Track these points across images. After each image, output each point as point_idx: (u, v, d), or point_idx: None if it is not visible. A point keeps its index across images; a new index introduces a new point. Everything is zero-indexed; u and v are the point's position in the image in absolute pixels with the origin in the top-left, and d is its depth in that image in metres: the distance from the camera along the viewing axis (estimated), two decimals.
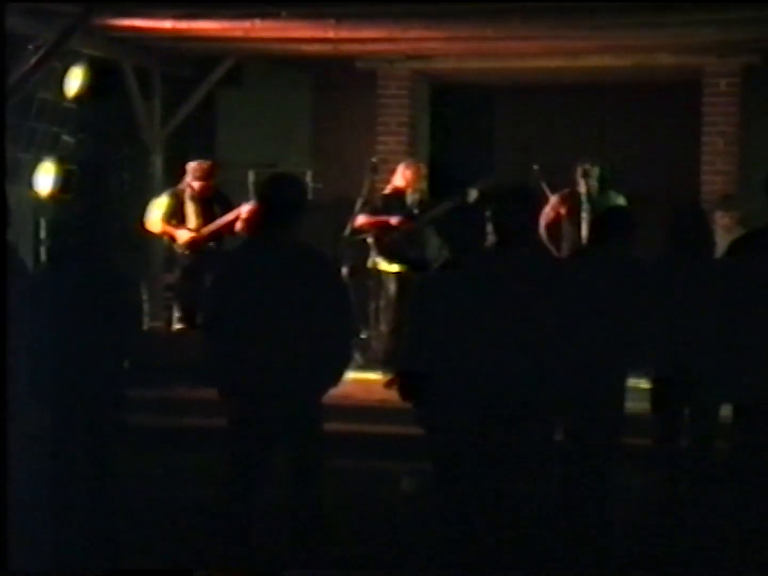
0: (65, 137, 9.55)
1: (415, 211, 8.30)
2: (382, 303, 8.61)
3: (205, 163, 8.74)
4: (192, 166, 8.71)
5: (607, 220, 5.71)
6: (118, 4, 8.27)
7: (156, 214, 8.72)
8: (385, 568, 5.09)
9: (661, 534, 5.36)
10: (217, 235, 8.61)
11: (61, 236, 5.84)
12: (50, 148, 9.30)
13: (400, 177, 8.46)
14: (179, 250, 8.68)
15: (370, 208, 8.42)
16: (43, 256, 8.60)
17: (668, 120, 10.15)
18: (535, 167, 8.65)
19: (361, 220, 8.43)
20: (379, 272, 8.43)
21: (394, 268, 8.31)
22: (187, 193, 8.68)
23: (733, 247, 4.91)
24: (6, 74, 5.70)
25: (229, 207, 8.61)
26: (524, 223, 4.64)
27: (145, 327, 7.34)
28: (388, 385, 7.52)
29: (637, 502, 5.66)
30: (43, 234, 8.86)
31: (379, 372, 8.20)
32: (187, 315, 8.53)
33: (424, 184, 8.54)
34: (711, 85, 9.67)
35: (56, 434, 5.17)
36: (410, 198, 8.39)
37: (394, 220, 8.28)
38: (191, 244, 8.59)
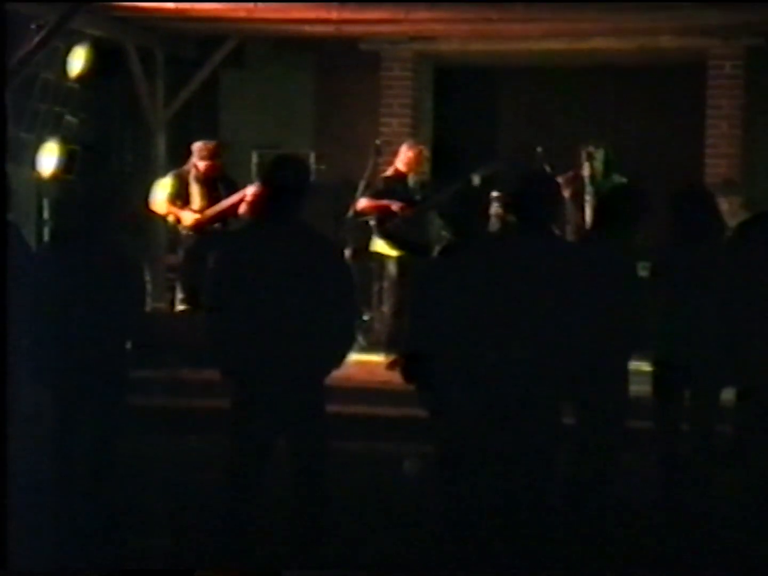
0: (68, 117, 9.54)
1: (417, 196, 8.28)
2: (384, 285, 8.60)
3: (210, 143, 8.72)
4: (197, 146, 8.69)
5: (611, 201, 5.63)
6: None
7: (160, 195, 8.70)
8: (389, 557, 5.08)
9: (662, 517, 5.37)
10: (222, 216, 8.60)
11: (64, 217, 5.84)
12: (53, 128, 9.28)
13: (402, 159, 8.44)
14: (183, 231, 8.67)
15: (372, 192, 8.40)
16: (46, 237, 8.60)
17: (672, 103, 10.12)
18: (539, 150, 8.63)
19: (362, 203, 8.42)
20: (381, 255, 8.42)
21: (395, 252, 8.29)
22: (192, 173, 8.66)
23: (739, 231, 4.89)
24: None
25: (234, 188, 8.60)
26: (539, 210, 4.63)
27: (148, 308, 7.36)
28: (389, 366, 7.53)
29: (639, 486, 5.66)
30: (46, 214, 8.85)
31: (382, 354, 8.21)
32: (191, 296, 8.53)
33: (426, 167, 8.52)
34: (715, 67, 9.64)
35: (59, 417, 5.18)
36: (412, 181, 8.37)
37: (395, 206, 8.26)
38: (196, 225, 8.58)
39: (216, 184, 8.65)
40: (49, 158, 8.80)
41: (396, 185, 8.37)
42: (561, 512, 4.91)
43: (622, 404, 5.23)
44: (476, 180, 7.76)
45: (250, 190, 8.37)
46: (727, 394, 5.30)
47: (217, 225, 8.61)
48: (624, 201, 5.48)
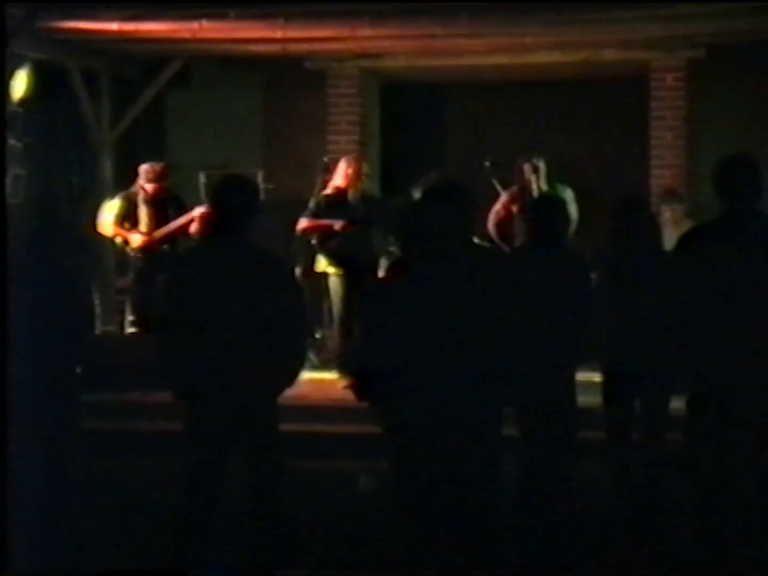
0: (12, 142, 9.45)
1: (358, 211, 8.25)
2: (330, 304, 8.60)
3: (158, 166, 8.70)
4: (144, 168, 8.67)
5: (539, 212, 5.65)
6: (65, 5, 8.22)
7: (108, 217, 8.67)
8: (343, 569, 5.09)
9: (617, 528, 5.40)
10: (171, 237, 8.57)
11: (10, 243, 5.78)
12: None
13: (341, 175, 8.39)
14: (132, 253, 8.63)
15: (312, 211, 8.33)
16: None
17: (617, 114, 10.23)
18: (486, 164, 8.69)
19: (303, 223, 8.34)
20: (326, 274, 8.40)
21: (339, 270, 8.25)
22: (140, 195, 8.64)
23: (681, 242, 4.97)
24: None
25: (183, 209, 8.58)
26: (457, 223, 4.65)
27: (98, 331, 7.31)
28: (349, 387, 7.55)
29: (592, 496, 5.69)
30: None
31: (334, 372, 8.20)
32: (141, 318, 8.48)
33: (366, 182, 8.48)
34: (657, 79, 9.76)
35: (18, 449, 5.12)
36: (352, 197, 8.33)
37: (337, 225, 8.19)
38: (144, 247, 8.55)
39: (164, 206, 8.63)
40: None
41: (337, 201, 8.32)
42: (517, 523, 4.94)
43: (572, 414, 5.27)
44: (417, 193, 7.72)
45: (198, 211, 8.35)
46: (677, 402, 5.36)
47: (166, 246, 8.58)
48: (552, 209, 5.56)
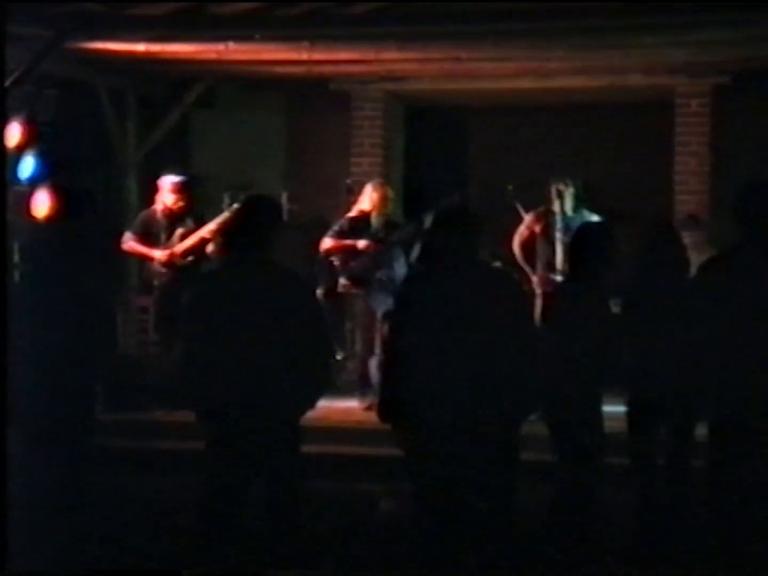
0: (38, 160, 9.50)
1: (381, 234, 8.30)
2: (352, 325, 8.60)
3: (177, 178, 8.71)
4: (164, 181, 8.68)
5: (582, 238, 5.60)
6: (92, 27, 8.28)
7: (130, 235, 8.69)
8: None
9: (640, 551, 5.37)
10: (192, 251, 8.56)
11: (35, 260, 5.82)
12: None
13: (367, 199, 8.45)
14: (155, 270, 8.64)
15: (336, 231, 8.39)
16: (17, 279, 8.54)
17: (641, 140, 10.22)
18: (509, 187, 8.68)
19: (327, 243, 8.39)
20: (347, 294, 8.41)
21: (361, 291, 8.28)
22: (160, 210, 8.65)
23: (701, 270, 4.96)
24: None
25: (202, 223, 8.58)
26: (458, 246, 4.66)
27: (120, 350, 7.32)
28: (368, 408, 7.58)
29: (616, 521, 5.66)
30: (16, 258, 8.80)
31: (356, 394, 8.19)
32: (163, 337, 8.48)
33: (390, 207, 8.52)
34: (682, 105, 9.74)
35: (28, 457, 5.14)
36: (375, 221, 8.38)
37: (360, 244, 8.27)
38: (167, 262, 8.56)
39: (184, 219, 8.63)
40: None
41: (360, 225, 8.38)
42: (540, 546, 4.91)
43: (598, 439, 5.24)
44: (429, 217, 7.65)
45: (215, 223, 8.31)
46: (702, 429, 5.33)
47: (189, 260, 8.56)
48: (595, 240, 5.49)
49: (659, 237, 5.80)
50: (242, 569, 4.74)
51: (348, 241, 8.32)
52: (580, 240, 5.51)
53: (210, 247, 8.41)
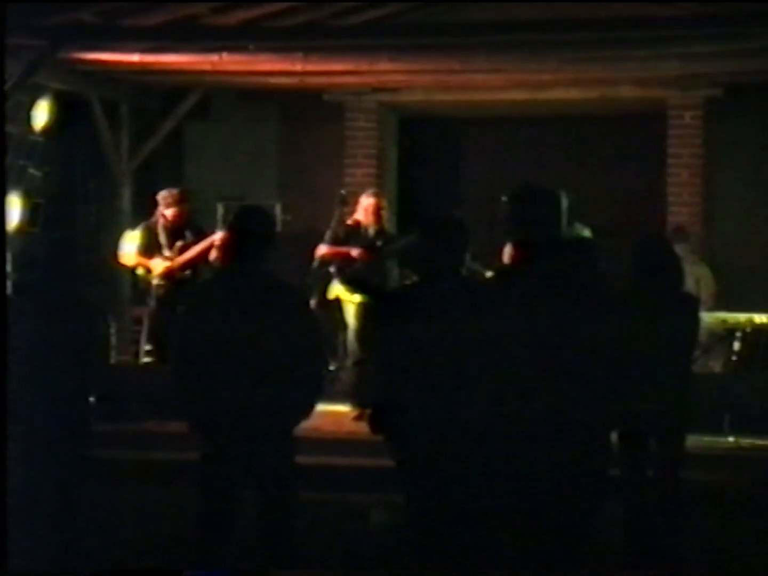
0: (32, 170, 9.51)
1: (375, 244, 8.36)
2: (344, 335, 8.62)
3: (175, 190, 8.76)
4: (162, 194, 8.73)
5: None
6: (85, 37, 8.30)
7: (130, 247, 8.70)
8: None
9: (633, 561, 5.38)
10: (192, 263, 8.58)
11: (28, 270, 5.81)
12: (17, 181, 9.25)
13: (362, 209, 8.51)
14: (154, 281, 8.65)
15: (331, 238, 8.46)
16: (9, 291, 8.53)
17: (633, 152, 10.25)
18: (504, 199, 8.68)
19: (323, 249, 8.46)
20: (341, 302, 8.44)
21: (356, 298, 8.33)
22: (160, 223, 8.68)
23: None
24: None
25: (202, 234, 8.61)
26: (447, 255, 4.67)
27: (113, 360, 7.31)
28: (357, 418, 7.57)
29: (608, 532, 5.66)
30: (9, 268, 8.79)
31: (348, 404, 8.20)
32: (157, 348, 8.49)
33: (384, 217, 8.57)
34: (674, 117, 9.79)
35: (21, 468, 5.13)
36: (370, 231, 8.44)
37: (355, 252, 8.33)
38: (167, 273, 8.58)
39: (183, 231, 8.67)
40: (12, 211, 8.77)
41: (355, 233, 8.44)
42: (532, 557, 4.91)
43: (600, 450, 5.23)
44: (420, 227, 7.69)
45: (217, 236, 8.36)
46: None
47: (187, 272, 8.59)
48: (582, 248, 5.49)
49: (654, 250, 5.80)
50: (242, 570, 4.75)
51: (343, 249, 8.38)
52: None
53: (212, 255, 8.40)
